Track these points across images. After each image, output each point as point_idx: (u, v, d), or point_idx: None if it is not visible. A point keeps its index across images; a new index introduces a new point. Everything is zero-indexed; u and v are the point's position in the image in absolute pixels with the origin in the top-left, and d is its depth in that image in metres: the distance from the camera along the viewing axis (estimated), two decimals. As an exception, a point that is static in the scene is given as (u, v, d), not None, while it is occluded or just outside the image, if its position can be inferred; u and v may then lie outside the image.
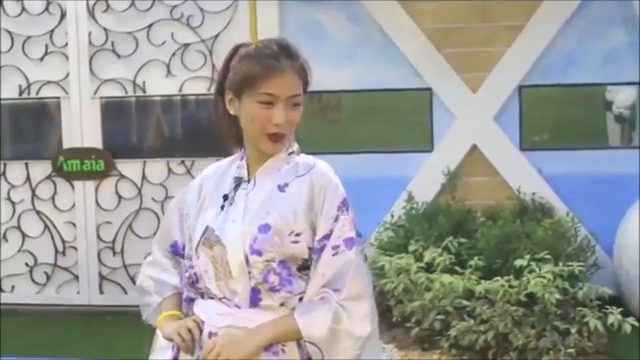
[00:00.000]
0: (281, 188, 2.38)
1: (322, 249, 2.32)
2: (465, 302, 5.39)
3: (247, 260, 2.33)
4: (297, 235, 2.33)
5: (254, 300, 2.34)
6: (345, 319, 2.28)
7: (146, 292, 2.59)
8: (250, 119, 2.36)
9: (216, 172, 2.54)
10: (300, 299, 2.34)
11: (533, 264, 5.41)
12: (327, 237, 2.33)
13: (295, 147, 2.47)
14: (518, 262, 5.45)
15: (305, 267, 2.36)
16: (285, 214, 2.33)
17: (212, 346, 2.30)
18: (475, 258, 5.63)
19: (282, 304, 2.34)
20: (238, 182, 2.44)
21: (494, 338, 5.19)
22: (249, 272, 2.33)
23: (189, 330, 2.38)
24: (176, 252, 2.56)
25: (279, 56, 2.35)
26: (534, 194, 6.51)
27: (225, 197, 2.43)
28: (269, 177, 2.40)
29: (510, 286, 5.32)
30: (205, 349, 2.32)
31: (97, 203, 7.06)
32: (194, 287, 2.44)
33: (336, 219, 2.33)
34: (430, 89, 6.72)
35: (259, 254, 2.33)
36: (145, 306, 2.61)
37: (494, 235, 5.76)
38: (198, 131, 7.13)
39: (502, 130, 6.64)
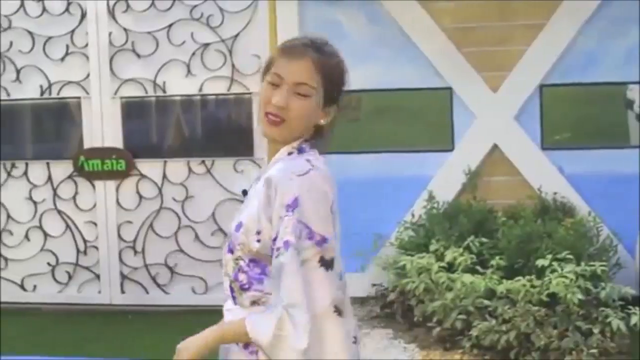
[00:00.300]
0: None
1: (274, 249, 2.23)
2: (486, 302, 5.38)
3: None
4: (259, 233, 2.26)
5: (232, 297, 2.36)
6: (288, 327, 2.16)
7: None
8: (259, 100, 2.35)
9: None
10: None
11: (555, 264, 5.39)
12: (276, 238, 2.22)
13: (297, 145, 2.35)
14: (540, 262, 5.43)
15: None
16: (253, 212, 2.27)
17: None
18: (497, 258, 5.62)
19: (254, 302, 2.30)
20: (258, 177, 2.41)
21: (515, 338, 5.18)
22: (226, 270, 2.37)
23: None
24: None
25: (301, 44, 2.33)
26: (555, 193, 6.48)
27: (245, 193, 2.46)
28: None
29: (532, 286, 5.31)
30: None
31: (118, 203, 7.09)
32: None
33: (282, 219, 2.20)
34: (450, 89, 6.70)
35: (231, 252, 2.33)
36: None
37: (515, 234, 5.74)
38: (218, 131, 7.16)
39: (522, 130, 6.62)
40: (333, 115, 2.39)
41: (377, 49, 6.79)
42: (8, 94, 7.19)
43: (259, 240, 2.25)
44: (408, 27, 6.70)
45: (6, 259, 7.29)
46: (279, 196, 2.20)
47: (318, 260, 2.20)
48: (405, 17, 6.69)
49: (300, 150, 2.34)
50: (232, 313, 2.36)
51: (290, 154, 2.33)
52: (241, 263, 2.30)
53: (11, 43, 7.14)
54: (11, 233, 7.28)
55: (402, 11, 6.69)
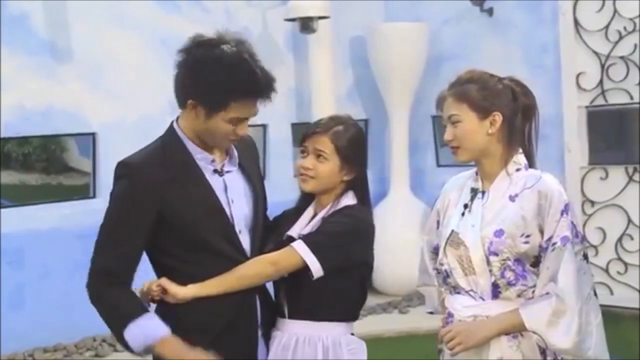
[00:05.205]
0: (512, 198, 2.76)
1: (547, 247, 2.70)
2: None
3: (487, 260, 2.74)
4: (527, 236, 2.71)
5: (495, 293, 2.76)
6: (562, 316, 2.64)
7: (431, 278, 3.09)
8: None
9: (455, 183, 2.99)
10: (534, 291, 2.73)
11: None
12: (551, 237, 2.70)
13: (523, 163, 2.82)
14: None
15: (537, 263, 2.73)
16: (515, 221, 2.72)
17: (448, 330, 2.78)
18: None
19: (518, 295, 2.74)
20: (474, 192, 2.86)
21: None
22: (490, 270, 2.74)
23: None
24: (437, 253, 3.00)
25: None
26: None
27: (466, 206, 2.85)
28: (501, 190, 2.79)
29: None
30: (443, 330, 2.81)
31: None
32: (445, 282, 2.91)
33: (558, 221, 2.69)
34: None
35: (496, 254, 2.73)
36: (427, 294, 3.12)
37: None
38: None
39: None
40: None
41: None
42: (631, 98, 7.13)
43: (526, 242, 2.72)
44: None
45: (626, 264, 7.25)
46: (555, 204, 2.69)
47: (583, 254, 2.75)
48: None
49: (525, 166, 2.83)
50: (478, 308, 2.77)
51: (518, 170, 2.81)
52: (509, 262, 2.73)
53: (635, 46, 7.04)
54: (631, 238, 7.19)
55: None
